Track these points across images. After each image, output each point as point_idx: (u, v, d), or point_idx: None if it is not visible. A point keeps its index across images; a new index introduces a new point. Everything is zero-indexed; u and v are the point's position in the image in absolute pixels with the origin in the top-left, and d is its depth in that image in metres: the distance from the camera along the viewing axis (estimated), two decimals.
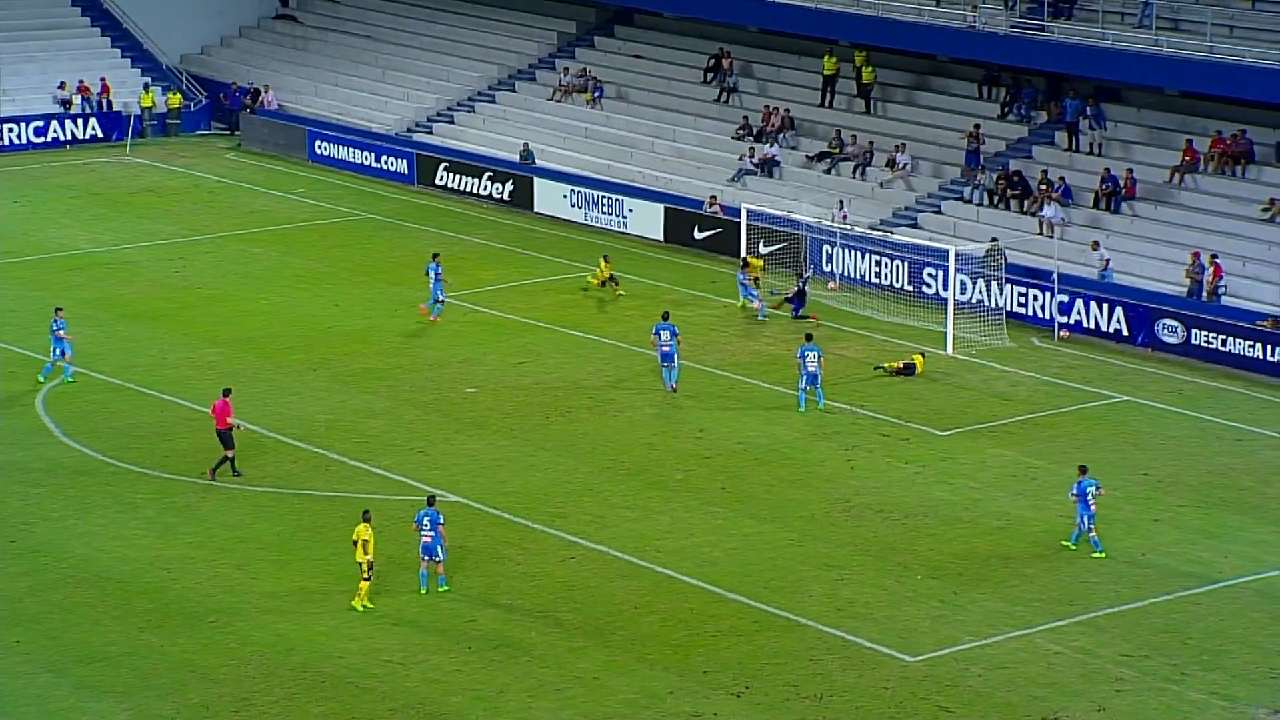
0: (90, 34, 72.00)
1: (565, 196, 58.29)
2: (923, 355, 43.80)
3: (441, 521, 31.69)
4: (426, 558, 31.71)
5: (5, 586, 31.54)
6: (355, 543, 31.13)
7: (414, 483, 36.39)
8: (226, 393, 36.89)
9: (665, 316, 42.92)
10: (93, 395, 41.27)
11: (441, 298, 46.28)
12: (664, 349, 41.90)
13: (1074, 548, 33.71)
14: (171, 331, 44.19)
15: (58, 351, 41.54)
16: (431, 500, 32.31)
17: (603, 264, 49.01)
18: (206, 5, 74.65)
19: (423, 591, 31.69)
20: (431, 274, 46.43)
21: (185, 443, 38.52)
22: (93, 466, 37.15)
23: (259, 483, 36.49)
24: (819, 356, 40.92)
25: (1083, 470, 33.98)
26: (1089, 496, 33.49)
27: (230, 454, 36.37)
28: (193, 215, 58.05)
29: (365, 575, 31.00)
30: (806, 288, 48.18)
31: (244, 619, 30.74)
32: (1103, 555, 33.44)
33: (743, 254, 49.92)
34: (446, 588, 31.84)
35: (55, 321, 41.72)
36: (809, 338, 42.14)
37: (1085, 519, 33.56)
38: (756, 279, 48.58)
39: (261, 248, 54.37)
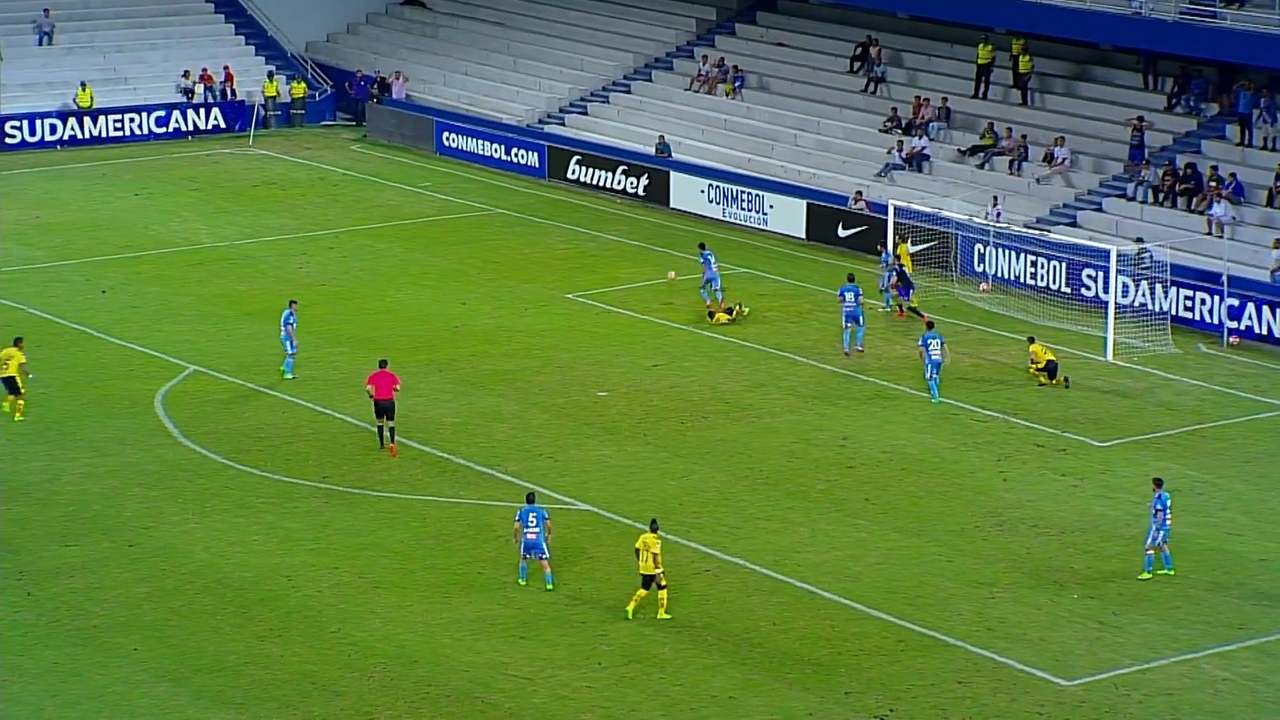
0: (214, 20, 73.02)
1: (703, 191, 58.27)
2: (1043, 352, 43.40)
3: (546, 517, 32.20)
4: (530, 554, 32.18)
5: (124, 592, 32.03)
6: (639, 552, 31.28)
7: (543, 489, 36.50)
8: (383, 364, 38.58)
9: (850, 278, 45.27)
10: (213, 395, 41.83)
11: (292, 351, 42.39)
12: (847, 309, 44.21)
13: (1149, 576, 33.04)
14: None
15: (292, 346, 42.25)
16: (531, 497, 33.06)
17: (724, 315, 48.05)
18: None
19: (522, 582, 32.25)
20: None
21: (307, 445, 38.93)
22: (212, 469, 37.64)
23: (382, 488, 36.79)
24: (941, 344, 41.68)
25: (1158, 484, 33.33)
26: (1167, 511, 32.75)
27: (390, 424, 37.99)
28: (316, 209, 58.70)
29: (661, 584, 31.26)
30: (906, 271, 48.03)
31: (366, 629, 31.00)
32: (1172, 573, 32.83)
33: (886, 242, 49.33)
34: (552, 586, 32.20)
35: (286, 314, 42.53)
36: (930, 325, 42.64)
37: (1159, 534, 32.77)
38: (897, 270, 48.04)
39: (387, 243, 54.86)
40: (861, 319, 44.67)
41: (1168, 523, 32.87)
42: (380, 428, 38.44)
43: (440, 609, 31.71)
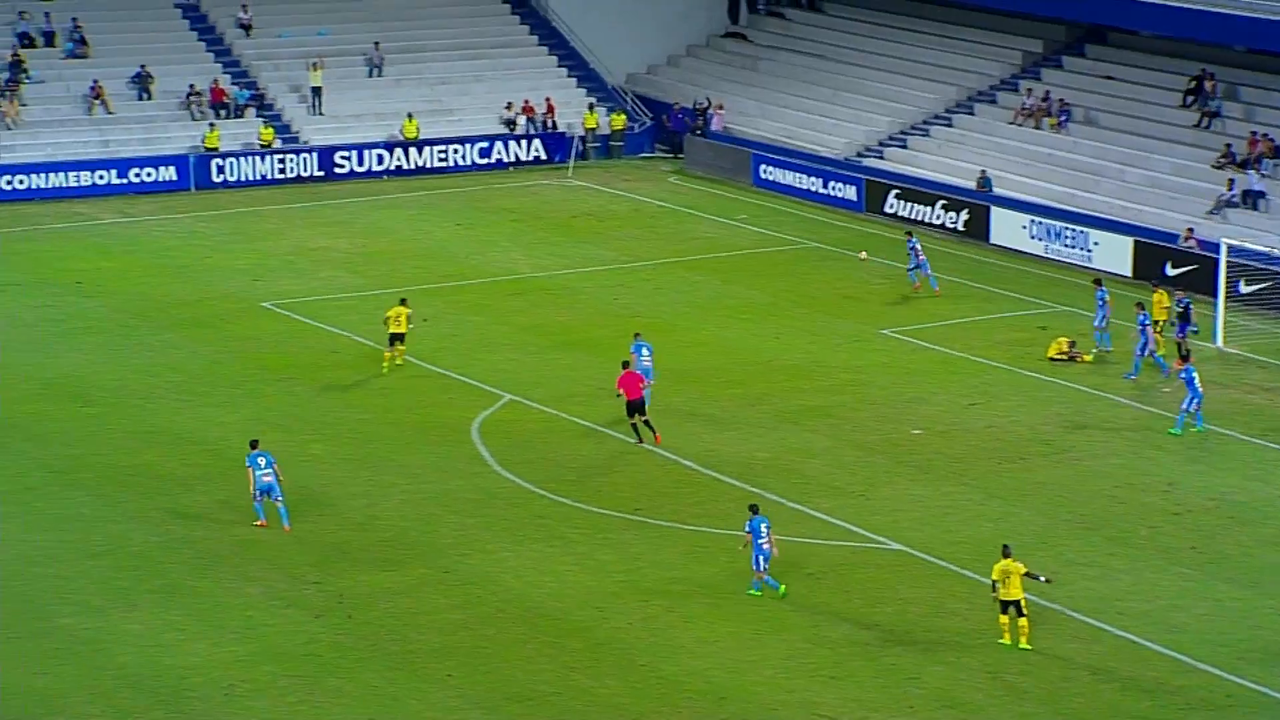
0: (538, 53, 74.47)
1: (1024, 227, 57.51)
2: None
3: (769, 525, 33.35)
4: (764, 565, 33.23)
5: (440, 618, 32.69)
6: (996, 584, 31.47)
7: (854, 528, 36.32)
8: (625, 365, 40.96)
9: (1098, 284, 47.09)
10: (528, 425, 42.52)
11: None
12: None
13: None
14: (609, 361, 45.11)
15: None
16: (755, 509, 33.65)
17: (1061, 342, 47.41)
18: (655, 23, 76.33)
19: (754, 593, 33.37)
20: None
21: (620, 477, 39.33)
22: (526, 498, 38.24)
23: (693, 521, 36.97)
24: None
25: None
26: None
27: (644, 418, 40.42)
28: (634, 241, 59.38)
29: (1023, 611, 31.35)
30: (1189, 308, 46.80)
31: (675, 664, 31.14)
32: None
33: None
34: (782, 590, 33.16)
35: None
36: (1186, 356, 42.33)
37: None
38: (1165, 321, 46.75)
39: (703, 276, 55.22)
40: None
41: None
42: (635, 424, 40.57)
43: (750, 646, 31.72)
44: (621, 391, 40.61)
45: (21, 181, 63.62)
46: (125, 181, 64.70)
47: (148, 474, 38.97)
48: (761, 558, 33.33)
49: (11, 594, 33.30)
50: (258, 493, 36.20)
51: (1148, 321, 45.60)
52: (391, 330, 45.97)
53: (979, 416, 43.03)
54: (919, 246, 52.15)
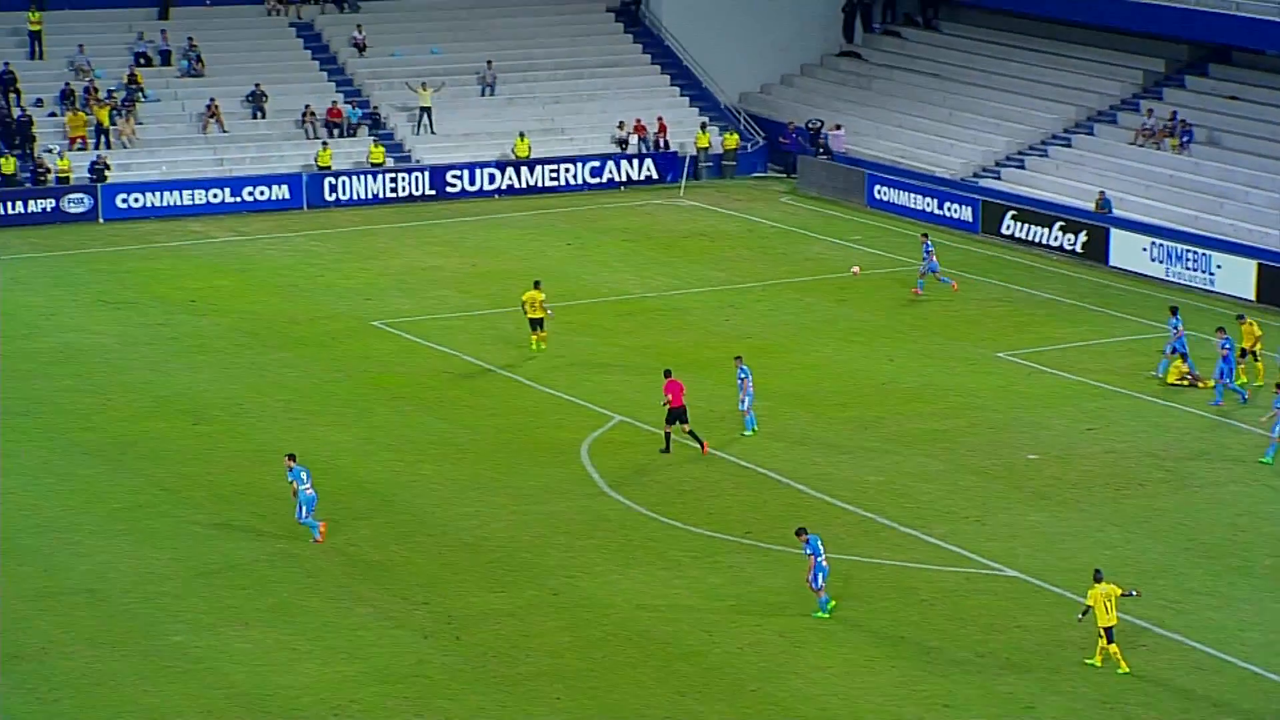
0: (650, 72, 74.65)
1: (1145, 250, 56.97)
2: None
3: (822, 542, 33.65)
4: (821, 583, 33.46)
5: (548, 640, 32.76)
6: (1090, 609, 31.38)
7: (968, 554, 36.06)
8: (668, 373, 42.12)
9: (1173, 310, 46.95)
10: (638, 447, 42.55)
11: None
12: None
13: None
14: (719, 383, 45.10)
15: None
16: (801, 531, 33.89)
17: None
18: (769, 42, 76.29)
19: (823, 615, 33.45)
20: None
21: (731, 499, 39.28)
22: (636, 520, 38.26)
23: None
24: None
25: None
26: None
27: (687, 427, 41.17)
28: (745, 261, 59.34)
29: (1107, 639, 31.35)
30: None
31: (786, 689, 31.04)
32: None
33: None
34: (833, 604, 33.50)
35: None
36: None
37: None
38: (1251, 350, 46.04)
39: (815, 297, 55.09)
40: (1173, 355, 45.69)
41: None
42: (668, 433, 41.49)
43: (862, 673, 31.55)
44: (669, 397, 41.48)
45: (137, 200, 64.47)
46: (239, 200, 65.43)
47: (259, 492, 39.34)
48: (821, 575, 33.36)
49: (123, 611, 33.70)
50: (302, 507, 36.63)
51: (1228, 346, 45.04)
52: (529, 316, 48.43)
53: (1097, 441, 42.63)
54: (933, 249, 54.01)
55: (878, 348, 50.08)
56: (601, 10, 76.62)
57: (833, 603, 33.64)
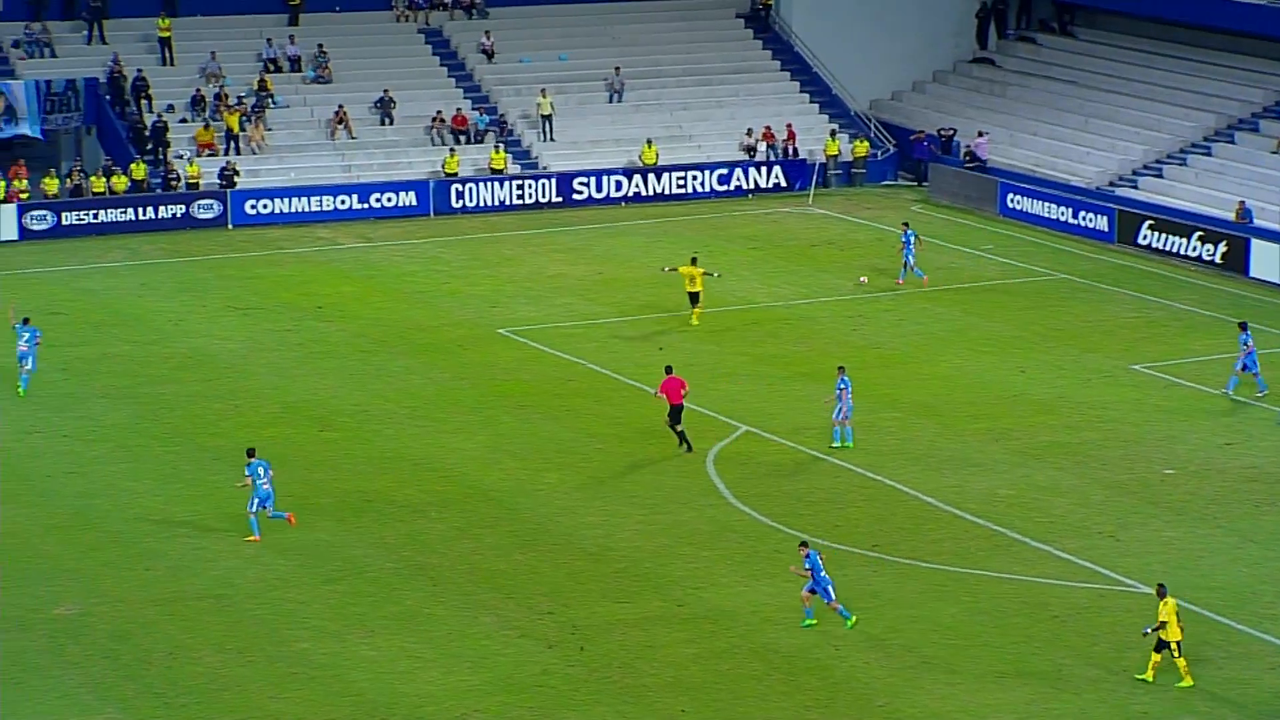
0: (780, 78, 74.58)
1: None
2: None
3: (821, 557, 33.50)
4: (830, 602, 33.34)
5: (673, 652, 32.83)
6: (1166, 624, 31.20)
7: (1102, 570, 35.77)
8: (669, 370, 42.51)
9: (1243, 327, 46.11)
10: (763, 457, 42.55)
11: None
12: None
13: None
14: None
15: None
16: (803, 544, 33.92)
17: None
18: (901, 49, 75.98)
19: (812, 622, 33.48)
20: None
21: (857, 511, 39.19)
22: (761, 531, 38.26)
23: (932, 559, 36.70)
24: None
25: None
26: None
27: (679, 427, 41.69)
28: (875, 270, 59.10)
29: (1177, 654, 31.17)
30: None
31: (914, 705, 30.92)
32: None
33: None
34: (814, 622, 33.46)
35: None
36: None
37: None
38: None
39: (945, 307, 54.83)
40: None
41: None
42: (677, 430, 41.83)
43: (992, 690, 31.38)
44: (663, 396, 41.83)
45: (265, 206, 65.30)
46: (366, 206, 66.07)
47: (384, 499, 39.72)
48: (831, 588, 33.33)
49: (249, 618, 34.14)
50: (256, 501, 37.10)
51: (1249, 341, 45.47)
52: (688, 290, 51.75)
53: (1235, 456, 42.15)
54: (914, 240, 55.76)
55: (1009, 358, 49.76)
56: (731, 16, 76.65)
57: (815, 620, 33.43)
